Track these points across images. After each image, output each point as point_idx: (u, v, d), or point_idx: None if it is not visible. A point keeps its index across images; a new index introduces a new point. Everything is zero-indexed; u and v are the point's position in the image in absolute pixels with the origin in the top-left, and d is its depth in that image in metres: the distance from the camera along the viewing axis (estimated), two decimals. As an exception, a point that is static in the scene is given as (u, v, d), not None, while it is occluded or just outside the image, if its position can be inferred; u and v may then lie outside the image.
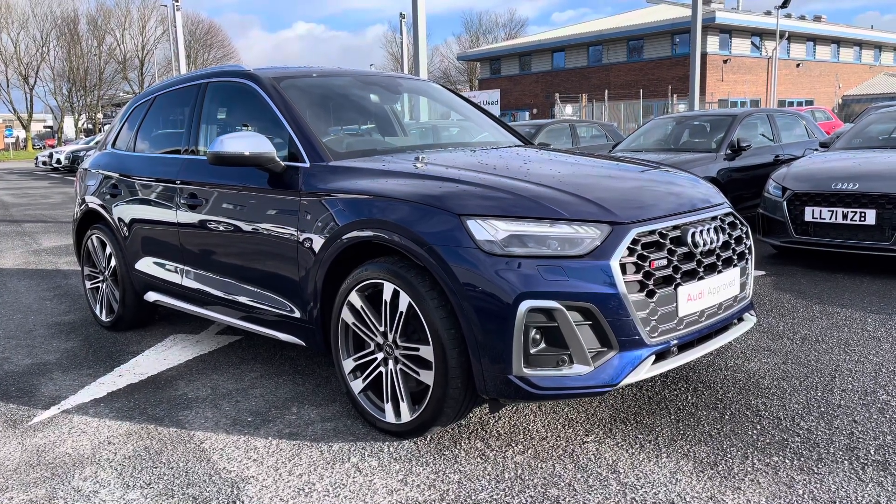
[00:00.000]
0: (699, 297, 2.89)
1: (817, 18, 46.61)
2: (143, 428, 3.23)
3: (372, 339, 3.04)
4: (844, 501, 2.40)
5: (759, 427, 2.97)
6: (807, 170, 6.46)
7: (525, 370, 2.61)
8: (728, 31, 37.98)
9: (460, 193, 2.83)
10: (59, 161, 29.87)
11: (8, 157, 51.96)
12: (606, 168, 3.51)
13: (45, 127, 78.04)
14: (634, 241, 2.69)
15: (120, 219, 4.64)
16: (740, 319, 3.29)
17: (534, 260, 2.61)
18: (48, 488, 2.70)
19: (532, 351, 2.61)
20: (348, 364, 3.15)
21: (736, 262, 3.14)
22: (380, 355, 3.02)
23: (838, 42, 44.61)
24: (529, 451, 2.83)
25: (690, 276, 2.85)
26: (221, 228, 3.75)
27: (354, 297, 3.04)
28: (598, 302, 2.59)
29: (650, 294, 2.68)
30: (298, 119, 3.57)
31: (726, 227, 3.13)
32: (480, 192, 2.83)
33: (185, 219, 4.01)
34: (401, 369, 2.93)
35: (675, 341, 2.79)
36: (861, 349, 3.93)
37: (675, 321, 2.78)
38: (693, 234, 2.88)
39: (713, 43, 37.21)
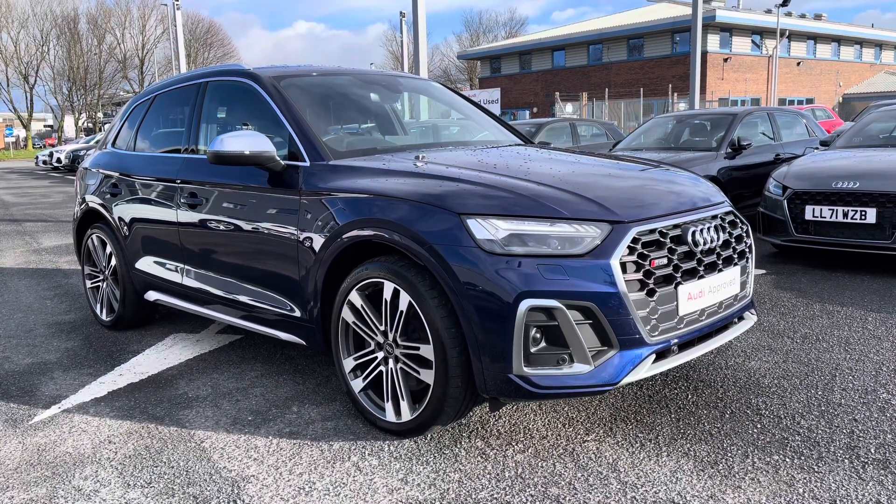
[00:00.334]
0: (699, 295, 2.88)
1: (818, 17, 46.60)
2: (144, 427, 3.23)
3: (372, 339, 3.04)
4: (845, 500, 2.40)
5: (759, 426, 2.97)
6: (807, 168, 6.46)
7: (525, 369, 2.61)
8: (728, 30, 37.95)
9: (460, 192, 2.83)
10: (59, 160, 29.86)
11: (8, 157, 51.96)
12: (607, 167, 3.51)
13: (45, 126, 78.06)
14: (635, 240, 2.69)
15: (120, 218, 4.64)
16: (741, 318, 3.29)
17: (534, 259, 2.61)
18: (49, 487, 2.70)
19: (532, 350, 2.61)
20: (349, 363, 3.15)
21: (736, 260, 3.13)
22: (380, 354, 3.02)
23: (839, 40, 44.57)
24: (530, 450, 2.83)
25: (691, 274, 2.85)
26: (222, 227, 3.75)
27: (355, 297, 3.04)
28: (598, 301, 2.59)
29: (650, 293, 2.68)
30: (298, 118, 3.57)
31: (726, 225, 3.13)
32: (480, 191, 2.83)
33: (186, 218, 4.01)
34: (401, 368, 2.93)
35: (676, 340, 2.79)
36: (861, 348, 3.93)
37: (676, 320, 2.78)
38: (693, 233, 2.88)
39: (713, 41, 37.17)
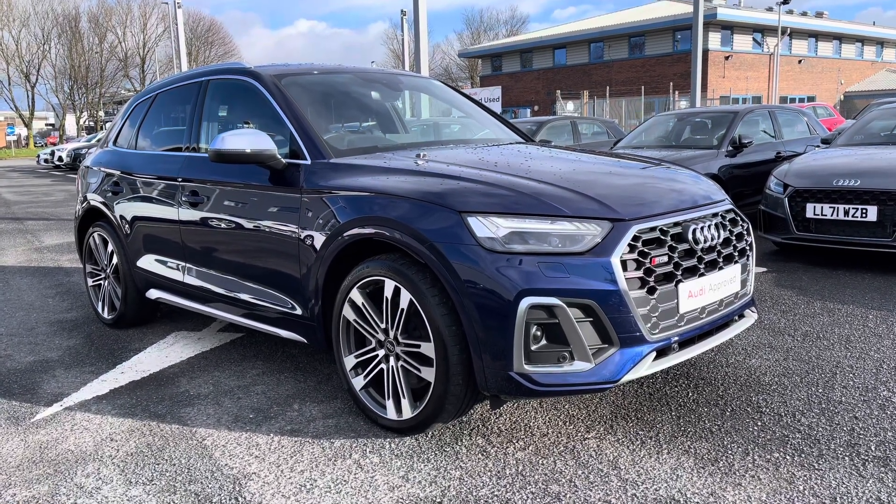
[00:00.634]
0: (700, 293, 2.89)
1: (819, 14, 46.55)
2: (146, 425, 3.24)
3: (373, 336, 3.04)
4: (845, 497, 2.40)
5: (759, 423, 2.98)
6: (808, 166, 6.45)
7: (526, 367, 2.61)
8: (730, 28, 37.90)
9: (461, 190, 2.83)
10: (60, 159, 29.90)
11: (10, 155, 52.01)
12: (607, 165, 3.51)
13: (46, 125, 78.12)
14: (635, 238, 2.69)
15: (121, 216, 4.65)
16: (741, 316, 3.29)
17: (535, 257, 2.62)
18: (51, 485, 2.71)
19: (533, 347, 2.61)
20: (350, 361, 3.15)
21: (737, 258, 3.14)
22: (381, 352, 3.02)
23: (840, 38, 44.51)
24: (530, 448, 2.84)
25: (691, 272, 2.86)
26: (223, 226, 3.76)
27: (356, 294, 3.05)
28: (598, 299, 2.59)
29: (651, 291, 2.68)
30: (299, 116, 3.58)
31: (727, 223, 3.13)
32: (481, 189, 2.83)
33: (187, 216, 4.02)
34: (402, 366, 2.94)
35: (676, 338, 2.80)
36: (862, 346, 3.93)
37: (676, 318, 2.79)
38: (694, 231, 2.88)
39: (715, 39, 37.13)
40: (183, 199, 4.04)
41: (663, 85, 36.02)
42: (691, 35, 18.63)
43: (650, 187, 3.15)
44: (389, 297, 2.91)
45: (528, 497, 2.48)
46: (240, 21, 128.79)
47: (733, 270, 3.09)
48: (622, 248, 2.65)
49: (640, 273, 2.67)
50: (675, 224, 2.87)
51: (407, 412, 2.93)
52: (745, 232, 3.26)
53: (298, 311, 3.40)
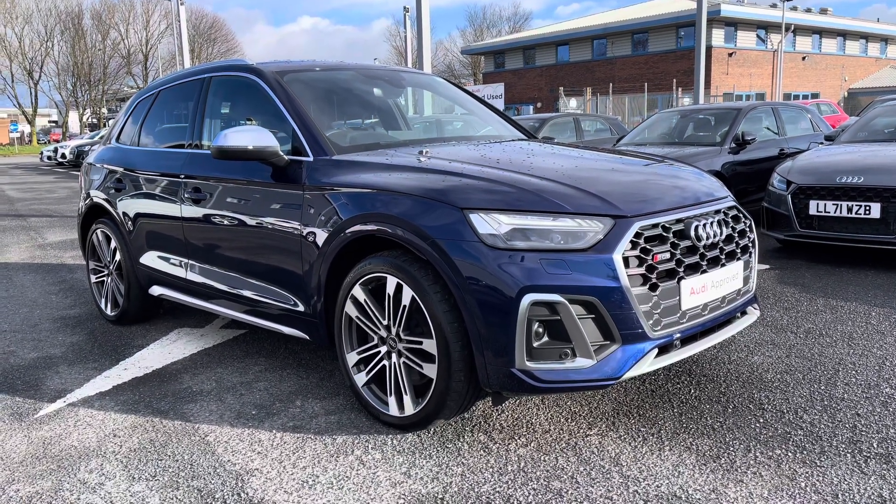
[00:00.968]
0: (702, 290, 2.89)
1: (823, 11, 46.41)
2: (149, 421, 3.25)
3: (375, 333, 3.05)
4: (846, 494, 2.40)
5: (761, 420, 2.98)
6: (811, 163, 6.44)
7: (528, 363, 2.62)
8: (733, 24, 37.82)
9: (463, 187, 2.83)
10: (63, 156, 29.95)
11: (13, 152, 52.07)
12: (610, 162, 3.51)
13: (49, 122, 78.17)
14: (637, 235, 2.69)
15: (124, 213, 4.66)
16: (744, 313, 3.29)
17: (536, 253, 2.62)
18: (54, 480, 2.72)
19: (535, 344, 2.61)
20: (352, 357, 3.16)
21: (739, 255, 3.13)
22: (383, 349, 3.03)
23: (844, 35, 44.39)
24: (532, 444, 2.84)
25: (693, 269, 2.85)
26: (225, 222, 3.76)
27: (358, 291, 3.05)
28: (600, 295, 2.59)
29: (653, 287, 2.68)
30: (302, 113, 3.58)
31: (730, 220, 3.13)
32: (483, 186, 2.83)
33: (189, 213, 4.02)
34: (404, 363, 2.94)
35: (678, 335, 2.79)
36: (865, 343, 3.92)
37: (678, 315, 2.79)
38: (696, 228, 2.88)
39: (718, 36, 37.06)
40: (185, 195, 4.04)
41: (666, 82, 35.94)
42: (695, 31, 18.60)
43: (652, 184, 3.15)
44: (391, 294, 2.92)
45: (529, 493, 2.48)
46: (243, 18, 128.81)
47: (736, 267, 3.09)
48: (624, 244, 2.64)
49: (642, 270, 2.67)
50: (678, 221, 2.87)
51: (409, 409, 2.93)
52: (747, 229, 3.25)
53: (301, 308, 3.40)
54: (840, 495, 2.39)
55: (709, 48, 34.96)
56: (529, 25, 67.44)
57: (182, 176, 4.11)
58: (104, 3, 63.42)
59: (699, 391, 3.31)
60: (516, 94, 44.91)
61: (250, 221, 3.59)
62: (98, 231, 5.02)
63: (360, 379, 3.13)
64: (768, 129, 8.84)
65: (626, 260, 2.64)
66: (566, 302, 2.57)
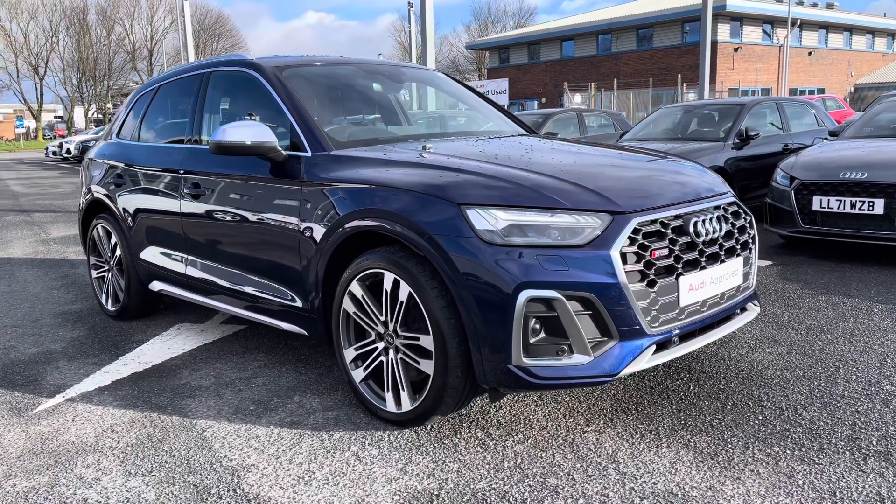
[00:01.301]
0: (701, 286, 2.87)
1: (829, 6, 46.12)
2: (146, 416, 3.25)
3: (373, 329, 3.04)
4: (845, 492, 2.38)
5: (760, 417, 2.96)
6: (815, 159, 6.40)
7: (525, 360, 2.60)
8: (739, 19, 37.64)
9: (460, 183, 2.82)
10: (68, 151, 30.00)
11: (19, 147, 52.24)
12: (609, 157, 3.49)
13: (55, 117, 78.29)
14: (635, 231, 2.67)
15: (124, 208, 4.66)
16: (743, 309, 3.27)
17: (534, 249, 2.60)
18: (51, 476, 2.72)
19: (532, 341, 2.60)
20: (349, 353, 3.15)
21: (739, 251, 3.11)
22: (380, 345, 3.02)
23: (851, 30, 44.15)
24: (529, 441, 2.83)
25: (692, 265, 2.84)
26: (225, 218, 3.76)
27: (355, 287, 3.04)
28: (598, 292, 2.58)
29: (651, 284, 2.67)
30: (300, 108, 3.57)
31: (729, 216, 3.11)
32: (480, 182, 2.82)
33: (189, 208, 4.02)
34: (401, 359, 2.93)
35: (677, 331, 2.78)
36: (866, 339, 3.90)
37: (677, 311, 2.77)
38: (695, 224, 2.86)
39: (724, 31, 36.89)
40: (185, 191, 4.04)
41: (672, 77, 35.80)
42: (700, 26, 18.51)
43: (651, 180, 3.13)
44: (389, 290, 2.91)
45: (525, 490, 2.47)
46: (248, 13, 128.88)
47: (735, 264, 3.07)
48: (622, 240, 2.63)
49: (640, 266, 2.66)
50: (677, 217, 2.85)
51: (406, 405, 2.93)
52: (747, 225, 3.23)
53: (299, 304, 3.40)
54: (838, 493, 2.38)
55: (714, 43, 34.78)
56: (534, 21, 67.29)
57: (181, 171, 4.10)
58: (109, -1, 63.48)
59: (698, 388, 3.29)
60: (521, 89, 44.81)
61: (249, 217, 3.58)
62: (99, 226, 5.02)
63: (358, 375, 3.13)
64: (772, 124, 8.80)
65: (623, 256, 2.62)
66: (563, 298, 2.56)
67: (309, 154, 3.38)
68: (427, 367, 2.81)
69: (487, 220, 2.65)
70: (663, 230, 2.76)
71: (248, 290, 3.71)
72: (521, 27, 59.52)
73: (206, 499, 2.51)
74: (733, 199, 3.25)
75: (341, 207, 3.09)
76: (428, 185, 2.84)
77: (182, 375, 3.77)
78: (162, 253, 4.40)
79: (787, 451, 2.66)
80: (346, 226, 3.05)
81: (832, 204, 5.92)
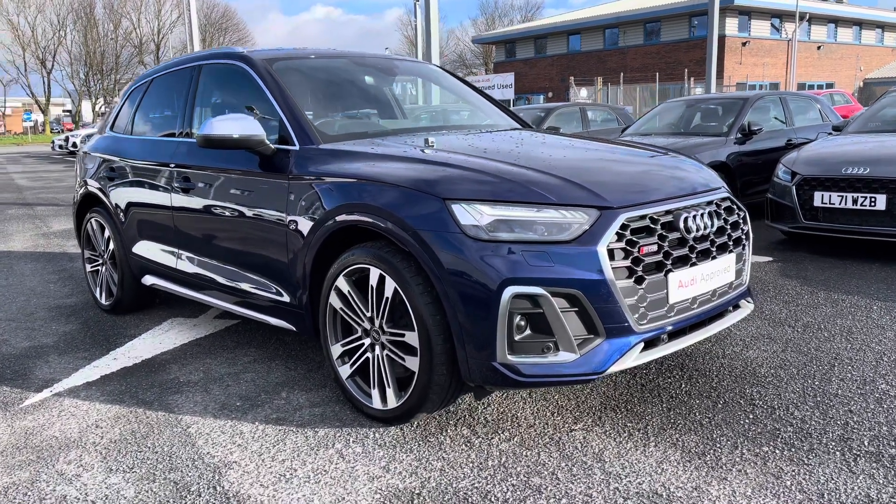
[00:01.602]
0: (691, 283, 2.82)
1: (839, 0, 45.76)
2: (132, 412, 3.22)
3: (359, 325, 3.00)
4: (833, 493, 2.34)
5: (751, 416, 2.91)
6: (817, 154, 6.33)
7: (510, 357, 2.57)
8: (747, 13, 37.37)
9: (446, 177, 2.78)
10: (74, 144, 30.11)
11: (26, 141, 52.44)
12: (600, 152, 3.44)
13: (64, 111, 78.54)
14: (624, 227, 2.62)
15: (117, 202, 4.63)
16: (737, 306, 3.22)
17: (519, 245, 2.56)
18: (32, 471, 2.70)
19: (517, 338, 2.56)
20: (336, 349, 3.12)
21: (732, 248, 3.06)
22: (367, 341, 2.99)
23: (860, 24, 43.78)
24: (515, 439, 2.79)
25: (682, 262, 2.79)
26: (214, 212, 3.73)
27: (342, 282, 3.00)
28: (584, 288, 2.53)
29: (639, 280, 2.62)
30: (289, 101, 3.53)
31: (722, 212, 3.05)
32: (467, 176, 2.77)
33: (179, 202, 3.99)
34: (387, 355, 2.90)
35: (667, 328, 2.74)
36: (864, 337, 3.84)
37: (666, 308, 2.72)
38: (686, 220, 2.80)
39: (732, 25, 36.64)
40: (175, 185, 4.01)
41: (679, 71, 35.60)
42: (707, 20, 18.37)
43: (642, 174, 3.08)
44: (374, 286, 2.87)
45: (508, 489, 2.44)
46: (256, 7, 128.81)
47: (727, 260, 3.02)
48: (609, 236, 2.58)
49: (627, 262, 2.61)
50: (667, 212, 2.80)
51: (392, 402, 2.89)
52: (741, 221, 3.18)
53: (287, 299, 3.37)
54: (826, 495, 2.33)
55: (722, 37, 34.60)
56: (541, 15, 67.01)
57: (172, 165, 4.07)
58: (116, -8, 63.53)
59: (690, 386, 3.25)
60: (527, 83, 44.65)
61: (238, 211, 3.55)
62: (92, 220, 5.00)
63: (345, 371, 3.09)
64: (776, 119, 8.71)
65: (611, 252, 2.57)
66: (548, 295, 2.51)
67: (297, 147, 3.34)
68: (412, 364, 2.78)
69: (472, 215, 2.61)
70: (652, 226, 2.71)
71: (237, 285, 3.68)
72: (528, 21, 59.30)
73: (186, 496, 2.48)
74: (727, 195, 3.19)
75: (328, 202, 3.05)
76: (413, 180, 2.80)
77: (171, 370, 3.74)
78: (153, 247, 4.37)
79: (777, 451, 2.62)
80: (332, 220, 3.01)
81: (834, 200, 5.85)
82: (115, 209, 4.66)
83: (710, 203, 3.01)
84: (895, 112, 7.33)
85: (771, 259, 5.91)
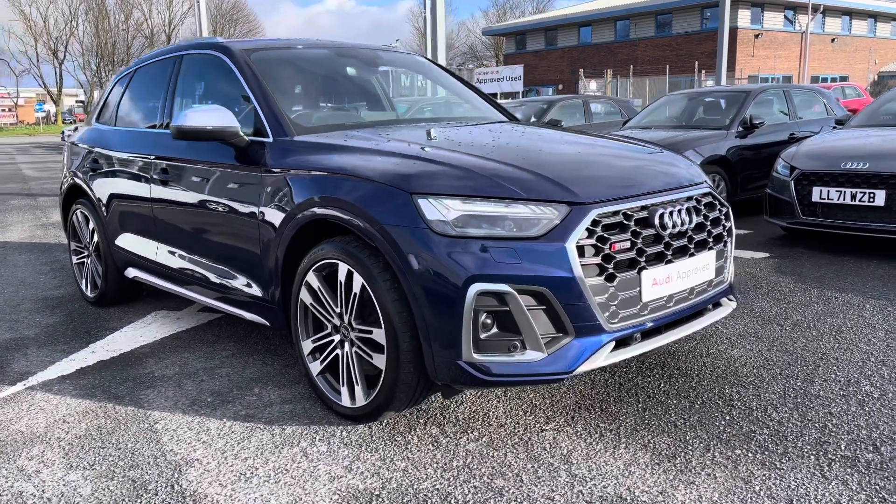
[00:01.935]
0: (666, 281, 2.74)
1: (854, -8, 45.15)
2: (101, 406, 3.19)
3: (329, 321, 2.95)
4: (802, 500, 2.26)
5: (727, 418, 2.84)
6: (817, 148, 6.21)
7: (475, 356, 2.50)
8: (760, 5, 36.94)
9: (414, 171, 2.71)
10: (84, 135, 30.17)
11: (38, 132, 52.73)
12: (579, 146, 3.36)
13: (77, 102, 78.85)
14: (595, 223, 2.55)
15: (100, 194, 4.60)
16: (717, 305, 3.14)
17: (486, 241, 2.50)
18: (-8, 467, 2.67)
19: (483, 336, 2.50)
20: (307, 345, 3.06)
21: (712, 244, 2.98)
22: (336, 337, 2.93)
23: (875, 16, 43.19)
24: (484, 439, 2.73)
25: (657, 259, 2.71)
26: (191, 204, 3.68)
27: (312, 277, 2.95)
28: (551, 286, 2.46)
29: (610, 278, 2.55)
30: (265, 92, 3.47)
31: (702, 208, 2.96)
32: (434, 170, 2.70)
33: (158, 194, 3.95)
34: (356, 352, 2.84)
35: (648, 325, 2.67)
36: (853, 337, 3.76)
37: (639, 306, 2.65)
38: (661, 216, 2.72)
39: (744, 17, 36.23)
40: (154, 176, 3.97)
41: (690, 64, 35.27)
42: (719, 12, 18.16)
43: (619, 169, 3.00)
44: (343, 281, 2.81)
45: (469, 492, 2.38)
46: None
47: (706, 257, 2.94)
48: (579, 233, 2.51)
49: (598, 259, 2.54)
50: (642, 208, 2.72)
51: (360, 399, 2.84)
52: (722, 217, 3.09)
53: (259, 293, 3.32)
54: (795, 501, 2.26)
55: (734, 29, 34.23)
56: (552, 6, 66.59)
57: (152, 157, 4.03)
58: (127, -17, 63.61)
59: (669, 385, 3.18)
60: (537, 75, 44.39)
61: (214, 203, 3.50)
62: (78, 212, 4.98)
63: (315, 368, 3.04)
64: (781, 112, 8.57)
65: (580, 249, 2.50)
66: (514, 292, 2.45)
67: (270, 139, 3.29)
68: (380, 361, 2.72)
69: (439, 209, 2.55)
70: (626, 222, 2.64)
71: (212, 278, 3.64)
72: (539, 13, 58.93)
73: (142, 495, 2.44)
74: (708, 190, 3.11)
75: (298, 195, 3.00)
76: (380, 173, 2.74)
77: (147, 364, 3.71)
78: (135, 239, 4.33)
79: (749, 455, 2.54)
80: (302, 214, 2.95)
81: (832, 195, 5.74)
82: (98, 201, 4.63)
83: (689, 199, 2.93)
84: (899, 106, 7.19)
85: (767, 255, 5.81)
